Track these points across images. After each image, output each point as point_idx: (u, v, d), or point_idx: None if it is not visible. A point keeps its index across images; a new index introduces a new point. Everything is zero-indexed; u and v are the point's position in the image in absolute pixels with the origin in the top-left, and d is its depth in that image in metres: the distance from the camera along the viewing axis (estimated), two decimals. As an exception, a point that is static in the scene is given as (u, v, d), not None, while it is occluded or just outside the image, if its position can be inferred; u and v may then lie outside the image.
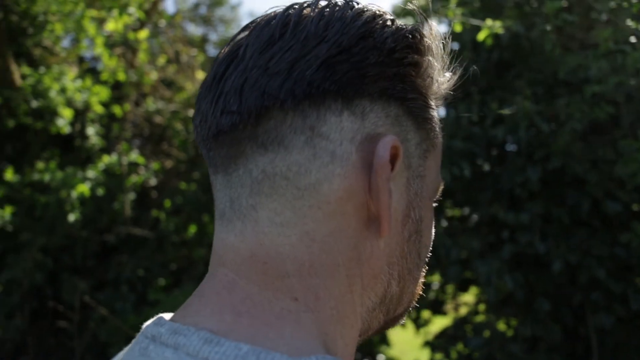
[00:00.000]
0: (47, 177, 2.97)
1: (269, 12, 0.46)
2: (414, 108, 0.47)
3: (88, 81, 3.77)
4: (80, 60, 4.74)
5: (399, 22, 0.47)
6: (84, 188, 3.06)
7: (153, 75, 4.44)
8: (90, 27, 3.45)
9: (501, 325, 2.88)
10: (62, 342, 3.58)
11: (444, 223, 2.98)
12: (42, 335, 3.66)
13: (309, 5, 0.45)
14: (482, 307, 3.12)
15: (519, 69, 2.81)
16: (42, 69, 3.82)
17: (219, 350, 0.37)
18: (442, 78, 0.50)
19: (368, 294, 0.45)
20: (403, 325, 0.59)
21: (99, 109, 3.84)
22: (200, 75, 4.70)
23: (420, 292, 0.53)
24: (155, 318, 0.44)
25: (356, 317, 0.45)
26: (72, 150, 4.17)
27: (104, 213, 3.61)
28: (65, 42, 4.52)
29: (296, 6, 0.45)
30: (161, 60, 4.86)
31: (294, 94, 0.41)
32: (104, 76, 3.76)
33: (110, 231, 3.68)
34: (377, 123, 0.44)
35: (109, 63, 3.76)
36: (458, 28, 2.12)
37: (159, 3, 4.97)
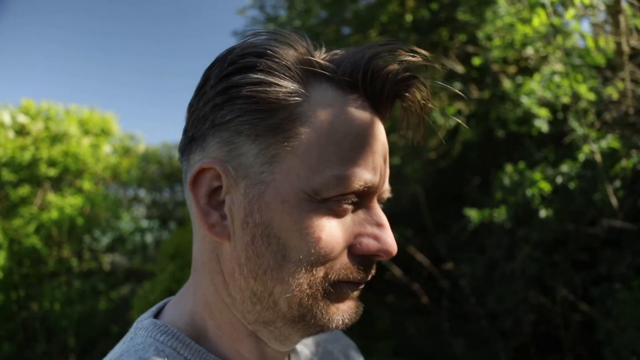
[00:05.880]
0: (506, 179, 3.24)
1: None
2: (239, 126, 0.52)
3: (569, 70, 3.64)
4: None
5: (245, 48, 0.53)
6: (544, 185, 3.13)
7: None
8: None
9: None
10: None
11: None
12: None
13: None
14: None
15: None
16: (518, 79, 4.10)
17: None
18: (282, 80, 0.51)
19: (233, 289, 0.55)
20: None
21: (590, 96, 3.61)
22: None
23: (313, 292, 0.52)
24: None
25: (224, 306, 0.57)
26: (560, 146, 4.21)
27: (590, 205, 3.49)
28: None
29: None
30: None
31: (180, 149, 0.59)
32: (595, 58, 3.47)
33: (595, 224, 3.50)
34: (210, 150, 0.54)
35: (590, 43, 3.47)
36: None
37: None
